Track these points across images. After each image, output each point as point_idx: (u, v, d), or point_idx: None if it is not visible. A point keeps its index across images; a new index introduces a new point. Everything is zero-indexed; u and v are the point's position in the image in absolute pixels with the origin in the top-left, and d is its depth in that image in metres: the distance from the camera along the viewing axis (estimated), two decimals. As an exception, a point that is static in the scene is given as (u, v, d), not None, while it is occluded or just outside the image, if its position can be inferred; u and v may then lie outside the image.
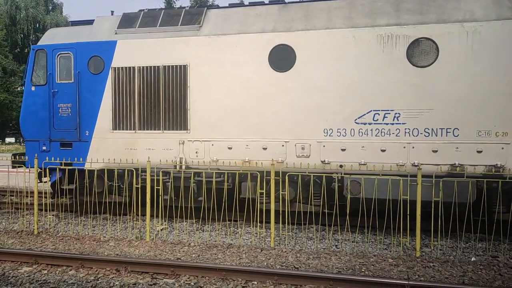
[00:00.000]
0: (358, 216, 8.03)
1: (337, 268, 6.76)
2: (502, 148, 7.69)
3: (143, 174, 8.59)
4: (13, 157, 10.03)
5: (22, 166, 9.74)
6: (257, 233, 8.54)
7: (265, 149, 8.74)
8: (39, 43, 10.14)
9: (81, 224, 9.32)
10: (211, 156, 9.02)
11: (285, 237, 8.31)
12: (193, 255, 7.38)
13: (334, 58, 8.36)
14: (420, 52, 8.02)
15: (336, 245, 8.01)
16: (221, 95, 8.92)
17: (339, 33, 8.35)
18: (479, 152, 7.77)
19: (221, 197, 8.69)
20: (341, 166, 8.38)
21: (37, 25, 45.00)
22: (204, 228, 9.14)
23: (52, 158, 9.11)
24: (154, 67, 9.24)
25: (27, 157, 9.82)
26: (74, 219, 9.71)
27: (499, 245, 7.78)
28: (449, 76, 7.86)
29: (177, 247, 7.82)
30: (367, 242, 8.01)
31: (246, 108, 8.80)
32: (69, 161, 9.18)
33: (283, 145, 8.68)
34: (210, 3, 40.96)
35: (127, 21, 9.68)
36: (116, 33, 9.57)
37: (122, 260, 6.86)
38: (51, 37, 10.13)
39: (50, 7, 48.81)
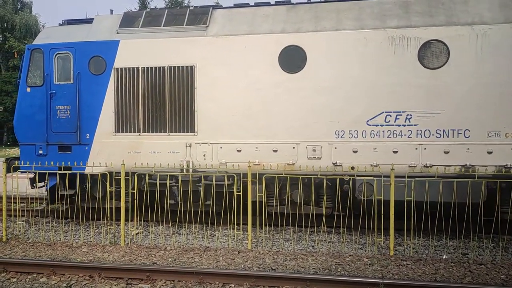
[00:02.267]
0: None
1: (313, 268, 6.80)
2: None
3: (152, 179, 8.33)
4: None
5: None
6: (234, 236, 8.45)
7: (275, 151, 8.61)
8: (35, 42, 9.62)
9: (52, 230, 8.95)
10: (220, 159, 8.81)
11: (262, 239, 8.25)
12: (169, 259, 7.25)
13: (345, 59, 8.33)
14: (431, 54, 8.10)
15: (312, 246, 8.04)
16: (230, 97, 8.73)
17: (350, 35, 8.34)
18: (489, 153, 7.91)
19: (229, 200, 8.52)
20: (352, 168, 8.36)
21: (5, 25, 43.14)
22: (180, 231, 8.95)
23: (52, 163, 8.65)
24: (160, 67, 8.95)
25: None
26: (45, 225, 9.34)
27: (469, 242, 7.99)
28: (459, 78, 7.97)
29: (153, 251, 7.66)
30: (343, 242, 8.07)
31: (256, 109, 8.65)
32: (65, 165, 8.77)
33: (294, 147, 8.57)
34: (186, 4, 40.59)
35: (129, 20, 9.36)
36: (118, 33, 9.22)
37: (95, 266, 6.69)
38: (47, 36, 9.63)
39: (19, 6, 46.92)
